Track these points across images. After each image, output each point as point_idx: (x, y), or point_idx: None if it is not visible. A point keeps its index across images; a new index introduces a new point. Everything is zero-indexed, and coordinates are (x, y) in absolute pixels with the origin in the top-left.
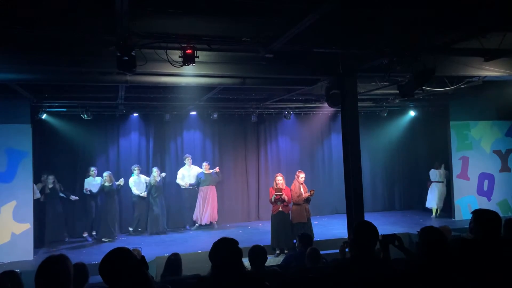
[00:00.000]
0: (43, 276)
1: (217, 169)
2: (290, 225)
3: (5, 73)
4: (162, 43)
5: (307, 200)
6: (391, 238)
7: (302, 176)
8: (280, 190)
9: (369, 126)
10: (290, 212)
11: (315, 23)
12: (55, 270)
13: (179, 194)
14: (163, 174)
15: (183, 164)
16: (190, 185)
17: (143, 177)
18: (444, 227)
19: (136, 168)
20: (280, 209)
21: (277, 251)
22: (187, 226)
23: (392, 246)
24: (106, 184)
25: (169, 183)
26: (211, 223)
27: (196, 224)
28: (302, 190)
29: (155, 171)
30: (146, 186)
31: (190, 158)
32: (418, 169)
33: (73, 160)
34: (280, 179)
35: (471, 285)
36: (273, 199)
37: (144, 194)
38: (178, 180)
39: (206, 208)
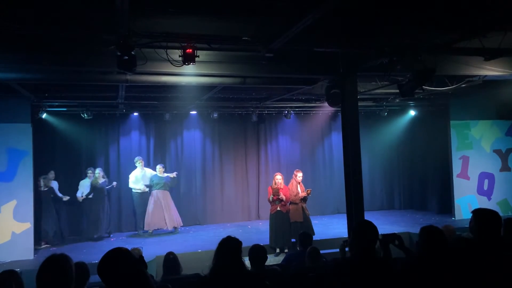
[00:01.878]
0: (45, 275)
1: (174, 174)
2: (289, 222)
3: (5, 72)
4: (162, 43)
5: (304, 199)
6: (391, 237)
7: (300, 175)
8: (278, 190)
9: (369, 126)
10: (288, 210)
11: (315, 22)
12: (56, 269)
13: (133, 198)
14: (114, 183)
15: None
16: (146, 186)
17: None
18: (447, 227)
19: (89, 172)
20: (278, 208)
21: (277, 250)
22: (140, 231)
23: (392, 246)
24: (42, 189)
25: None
26: (174, 228)
27: (149, 231)
28: (299, 189)
29: (98, 172)
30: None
31: (142, 160)
32: (418, 168)
33: (74, 159)
34: (279, 178)
35: (471, 284)
36: (271, 199)
37: (80, 197)
38: (131, 184)
39: (164, 214)
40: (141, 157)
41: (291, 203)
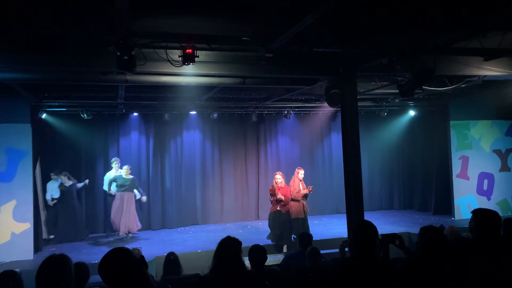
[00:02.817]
0: (44, 275)
1: (143, 198)
2: (289, 221)
3: (5, 72)
4: (162, 43)
5: (305, 196)
6: (392, 237)
7: (301, 172)
8: (274, 191)
9: (369, 126)
10: (288, 210)
11: (315, 22)
12: (56, 270)
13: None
14: (86, 181)
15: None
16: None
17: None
18: (451, 228)
19: (52, 175)
20: (278, 208)
21: (273, 242)
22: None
23: (392, 246)
24: None
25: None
26: (128, 233)
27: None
28: (301, 186)
29: (62, 176)
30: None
31: (118, 161)
32: (417, 168)
33: (73, 159)
34: (279, 177)
35: (470, 284)
36: (271, 199)
37: (51, 201)
38: (105, 186)
39: (122, 218)
40: (118, 159)
41: (292, 200)
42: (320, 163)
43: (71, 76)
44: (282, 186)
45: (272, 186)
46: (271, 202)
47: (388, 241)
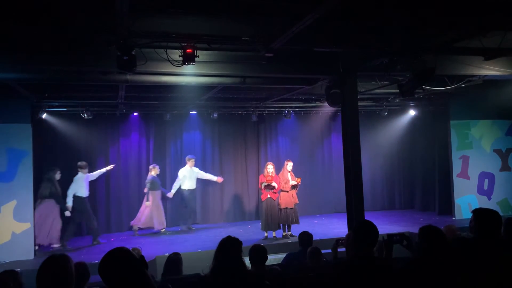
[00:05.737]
0: (45, 275)
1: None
2: (278, 209)
3: (5, 72)
4: (162, 43)
5: (294, 187)
6: (400, 238)
7: (290, 164)
8: (271, 180)
9: (369, 125)
10: (278, 198)
11: (315, 22)
12: (56, 269)
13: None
14: None
15: (183, 164)
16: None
17: None
18: (449, 226)
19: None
20: (269, 195)
21: (266, 234)
22: (183, 227)
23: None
24: None
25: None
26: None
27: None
28: (289, 177)
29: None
30: None
31: (192, 159)
32: (418, 168)
33: (74, 159)
34: (270, 167)
35: (470, 284)
36: (263, 186)
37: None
38: (180, 181)
39: (156, 215)
40: (193, 156)
41: (282, 190)
42: (320, 163)
43: (71, 76)
44: (273, 175)
45: (263, 174)
46: (262, 189)
47: (395, 241)
